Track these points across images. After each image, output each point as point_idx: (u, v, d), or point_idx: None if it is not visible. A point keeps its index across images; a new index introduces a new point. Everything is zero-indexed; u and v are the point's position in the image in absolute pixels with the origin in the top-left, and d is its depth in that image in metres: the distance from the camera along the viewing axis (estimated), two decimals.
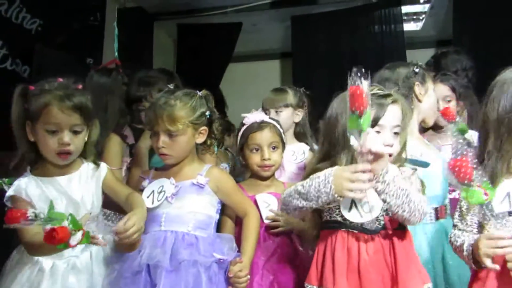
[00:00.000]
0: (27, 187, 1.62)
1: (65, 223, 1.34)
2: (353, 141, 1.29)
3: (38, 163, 1.68)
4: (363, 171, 1.30)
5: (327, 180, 1.37)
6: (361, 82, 1.25)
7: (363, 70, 1.26)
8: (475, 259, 1.39)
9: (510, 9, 3.84)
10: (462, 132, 2.09)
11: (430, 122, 2.03)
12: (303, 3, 4.65)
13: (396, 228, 1.46)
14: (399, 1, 4.51)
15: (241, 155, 2.01)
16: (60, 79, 1.68)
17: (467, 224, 1.49)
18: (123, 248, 1.59)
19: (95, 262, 1.65)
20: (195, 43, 4.98)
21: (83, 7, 3.84)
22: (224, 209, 1.84)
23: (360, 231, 1.44)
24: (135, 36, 4.33)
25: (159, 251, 1.60)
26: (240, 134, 2.00)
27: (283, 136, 2.02)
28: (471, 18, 4.13)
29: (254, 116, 2.00)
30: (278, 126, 2.02)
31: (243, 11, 4.65)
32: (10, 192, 1.59)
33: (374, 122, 1.46)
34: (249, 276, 1.69)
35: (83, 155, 1.73)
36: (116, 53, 3.33)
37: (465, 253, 1.43)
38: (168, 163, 1.78)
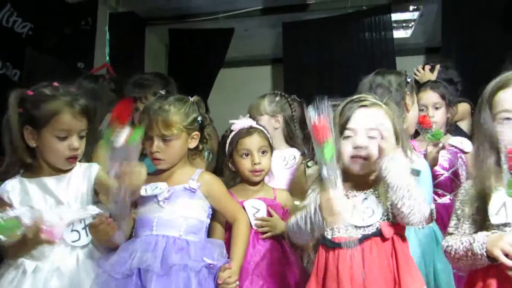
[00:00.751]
0: (12, 191, 1.64)
1: (19, 232, 1.42)
2: (322, 171, 1.33)
3: (33, 166, 1.68)
4: (329, 199, 1.33)
5: (316, 209, 1.39)
6: (321, 114, 1.31)
7: (326, 102, 1.32)
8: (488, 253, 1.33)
9: (498, 17, 3.90)
10: (436, 138, 2.19)
11: (412, 131, 2.11)
12: (294, 9, 4.68)
13: (395, 233, 1.46)
14: (389, 8, 4.56)
15: (230, 162, 2.01)
16: (56, 84, 1.67)
17: (464, 232, 1.44)
18: (100, 234, 1.61)
19: (82, 268, 1.63)
20: (187, 48, 4.99)
21: (74, 11, 3.82)
22: (214, 215, 1.84)
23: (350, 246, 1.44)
24: (127, 41, 4.33)
25: (150, 255, 1.60)
26: (228, 141, 2.00)
27: (271, 141, 2.04)
28: (459, 26, 4.18)
29: (241, 122, 2.01)
30: (266, 131, 2.03)
31: (235, 17, 4.68)
32: None
33: (342, 127, 1.48)
34: (238, 283, 1.69)
35: None
36: (108, 58, 3.34)
37: (476, 244, 1.33)
38: (161, 168, 1.79)
